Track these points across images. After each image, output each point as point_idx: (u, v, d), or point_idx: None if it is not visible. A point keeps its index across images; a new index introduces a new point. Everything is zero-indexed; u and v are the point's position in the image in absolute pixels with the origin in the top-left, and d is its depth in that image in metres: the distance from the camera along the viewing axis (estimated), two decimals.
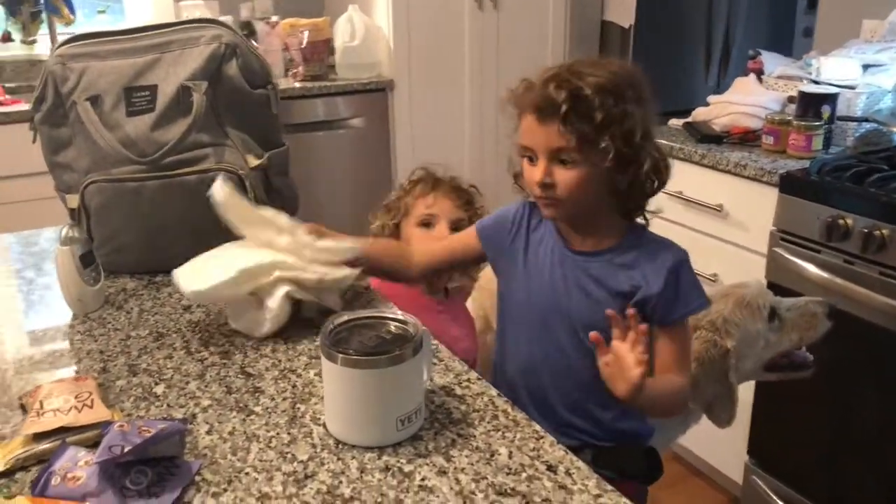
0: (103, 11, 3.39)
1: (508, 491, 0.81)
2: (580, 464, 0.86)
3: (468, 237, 1.33)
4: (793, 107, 2.15)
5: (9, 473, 0.84)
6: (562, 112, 1.10)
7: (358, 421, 0.89)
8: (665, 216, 2.32)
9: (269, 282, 1.13)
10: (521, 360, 1.24)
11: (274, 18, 3.33)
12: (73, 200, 1.34)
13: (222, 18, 3.24)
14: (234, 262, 1.11)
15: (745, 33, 3.76)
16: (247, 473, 0.85)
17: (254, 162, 1.36)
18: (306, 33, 3.17)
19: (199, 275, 1.12)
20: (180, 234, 1.31)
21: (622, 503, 0.80)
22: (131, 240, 1.31)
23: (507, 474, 0.84)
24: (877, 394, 1.80)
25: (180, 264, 1.15)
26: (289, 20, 3.25)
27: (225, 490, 0.82)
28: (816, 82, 2.16)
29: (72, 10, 3.22)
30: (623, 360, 1.03)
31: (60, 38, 3.21)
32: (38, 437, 0.87)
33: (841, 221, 1.77)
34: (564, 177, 1.13)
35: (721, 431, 1.56)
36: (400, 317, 0.93)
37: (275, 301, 1.13)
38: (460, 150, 3.41)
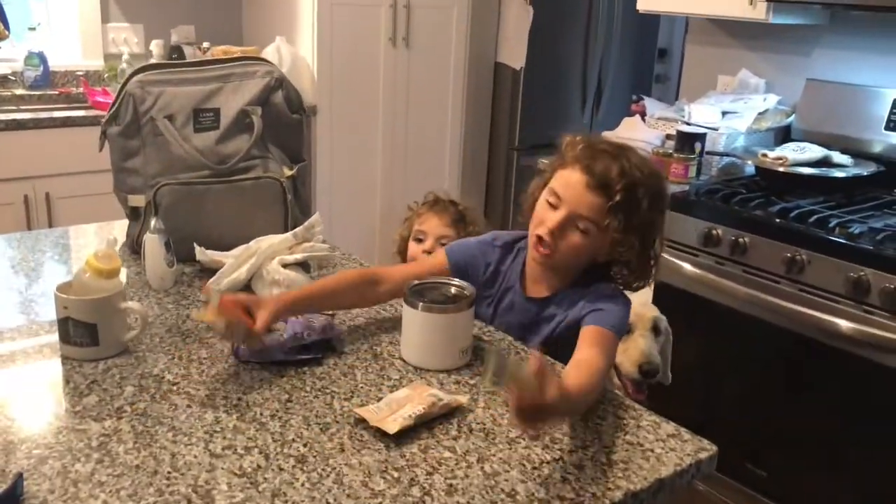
0: (34, 29, 3.53)
1: None
2: None
3: (438, 263, 1.44)
4: (670, 143, 2.69)
5: None
6: (615, 199, 1.23)
7: (432, 351, 1.26)
8: None
9: (259, 262, 1.47)
10: None
11: (206, 44, 3.60)
12: (137, 200, 1.63)
13: (154, 42, 3.50)
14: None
15: (614, 78, 4.37)
16: (362, 386, 1.20)
17: (287, 173, 1.70)
18: None
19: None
20: (231, 228, 1.62)
21: (617, 398, 1.22)
22: (191, 232, 1.59)
23: None
24: (740, 367, 2.33)
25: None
26: (221, 47, 3.53)
27: (352, 396, 1.17)
28: (688, 123, 2.72)
29: (6, 27, 3.34)
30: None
31: None
32: None
33: (713, 232, 2.30)
34: (572, 239, 1.27)
35: None
36: (457, 282, 1.31)
37: (279, 273, 1.46)
38: (373, 172, 3.79)
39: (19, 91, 3.37)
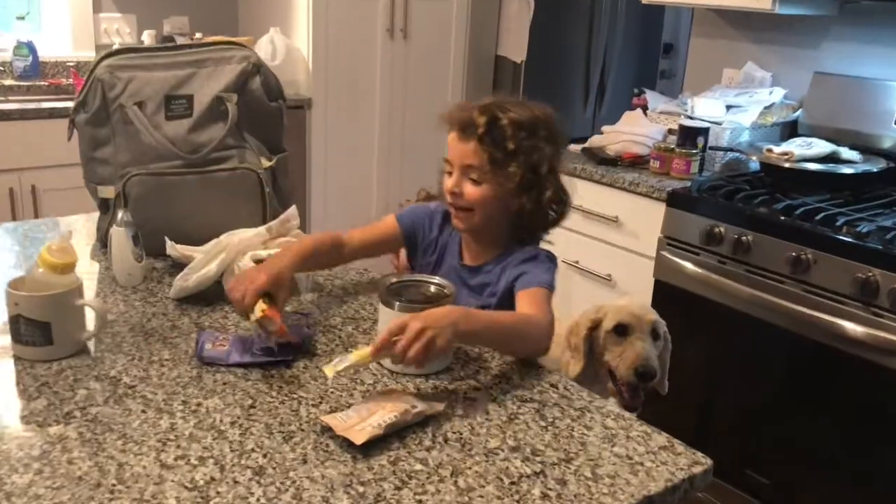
0: (22, 18, 3.45)
1: (528, 399, 1.13)
2: (572, 383, 1.19)
3: (389, 228, 1.51)
4: (673, 137, 2.60)
5: None
6: (478, 133, 1.31)
7: None
8: (568, 226, 2.73)
9: (231, 257, 1.39)
10: None
11: (198, 35, 3.52)
12: (107, 191, 1.55)
13: (146, 32, 3.43)
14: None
15: (618, 73, 4.28)
16: (333, 391, 1.12)
17: (265, 164, 1.62)
18: None
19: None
20: (205, 221, 1.54)
21: (606, 406, 1.13)
22: (162, 225, 1.51)
23: (524, 390, 1.16)
24: (741, 369, 2.24)
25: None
26: (214, 38, 3.44)
27: (321, 402, 1.09)
28: (691, 118, 2.63)
29: None
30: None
31: None
32: None
33: (716, 230, 2.21)
34: (471, 191, 1.34)
35: None
36: (437, 280, 1.23)
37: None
38: (370, 166, 3.71)
39: (8, 81, 3.30)
